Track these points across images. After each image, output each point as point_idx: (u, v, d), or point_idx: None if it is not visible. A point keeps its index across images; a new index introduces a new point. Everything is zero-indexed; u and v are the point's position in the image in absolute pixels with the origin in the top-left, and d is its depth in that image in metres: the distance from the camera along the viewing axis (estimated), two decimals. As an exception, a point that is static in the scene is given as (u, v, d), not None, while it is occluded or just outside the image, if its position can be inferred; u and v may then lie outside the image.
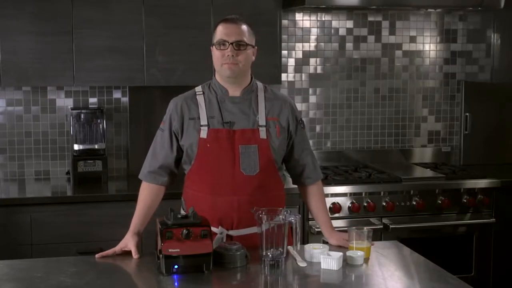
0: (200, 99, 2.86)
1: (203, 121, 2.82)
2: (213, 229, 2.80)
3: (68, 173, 4.34)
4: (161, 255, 2.47)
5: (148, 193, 2.91)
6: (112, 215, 3.84)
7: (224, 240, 2.78)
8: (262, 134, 2.83)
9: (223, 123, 2.82)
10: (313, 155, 3.02)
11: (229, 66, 2.79)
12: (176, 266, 2.47)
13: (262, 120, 2.84)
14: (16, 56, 3.95)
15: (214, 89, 2.89)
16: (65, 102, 4.37)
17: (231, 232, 2.82)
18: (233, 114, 2.84)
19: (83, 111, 4.26)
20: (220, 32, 2.80)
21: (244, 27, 2.83)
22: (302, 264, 2.62)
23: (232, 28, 2.80)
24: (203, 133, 2.81)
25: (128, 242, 2.77)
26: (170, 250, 2.44)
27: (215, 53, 2.82)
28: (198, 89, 2.91)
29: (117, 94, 4.43)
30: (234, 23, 2.82)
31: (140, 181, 4.30)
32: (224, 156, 2.80)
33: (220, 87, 2.87)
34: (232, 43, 2.77)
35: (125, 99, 4.43)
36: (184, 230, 2.46)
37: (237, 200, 2.77)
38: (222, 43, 2.79)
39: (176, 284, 2.43)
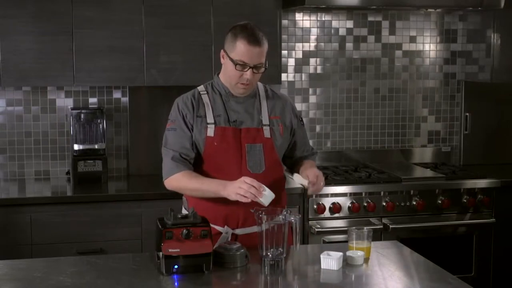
0: (205, 98, 2.87)
1: (210, 119, 2.83)
2: (218, 228, 2.81)
3: (68, 173, 4.33)
4: (161, 255, 2.47)
5: (188, 173, 2.79)
6: (112, 215, 3.84)
7: (229, 239, 2.79)
8: (266, 133, 2.85)
9: (230, 122, 2.83)
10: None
11: (244, 86, 2.80)
12: (176, 266, 2.47)
13: (265, 119, 2.87)
14: (16, 56, 3.94)
15: (217, 89, 2.89)
16: (65, 102, 4.37)
17: (237, 231, 2.82)
18: (238, 113, 2.86)
19: (83, 111, 4.26)
20: (242, 52, 2.73)
21: (265, 45, 2.78)
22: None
23: (256, 52, 2.74)
24: (210, 131, 2.81)
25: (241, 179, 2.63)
26: (170, 250, 2.44)
27: (231, 69, 2.77)
28: (201, 88, 2.91)
29: (117, 94, 4.42)
30: (259, 46, 2.74)
31: (138, 182, 4.28)
32: (231, 154, 2.81)
33: (223, 87, 2.87)
34: (252, 67, 2.75)
35: (125, 99, 4.43)
36: (184, 230, 2.46)
37: None
38: (242, 64, 2.75)
39: (176, 284, 2.43)
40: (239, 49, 2.74)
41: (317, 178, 2.76)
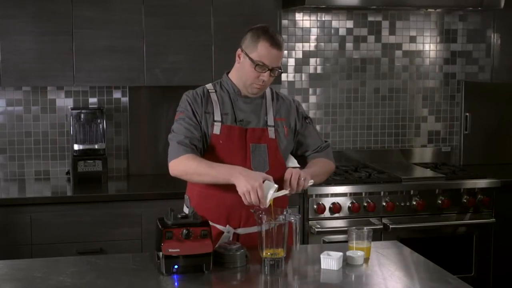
0: (214, 96, 2.88)
1: (217, 117, 2.83)
2: (220, 227, 2.81)
3: (68, 173, 4.33)
4: (161, 255, 2.47)
5: (196, 156, 2.75)
6: (112, 215, 3.84)
7: (231, 239, 2.79)
8: (271, 134, 2.87)
9: (236, 121, 2.84)
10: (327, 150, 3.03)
11: (259, 87, 2.81)
12: (176, 266, 2.47)
13: (270, 120, 2.88)
14: (16, 56, 3.94)
15: (226, 87, 2.90)
16: (65, 102, 4.37)
17: (239, 231, 2.82)
18: (245, 112, 2.87)
19: (83, 111, 4.26)
20: (263, 54, 2.75)
21: (283, 49, 2.81)
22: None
23: (277, 55, 2.76)
24: (216, 129, 2.82)
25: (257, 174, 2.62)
26: (170, 250, 2.44)
27: (249, 69, 2.78)
28: (210, 86, 2.92)
29: (117, 94, 4.43)
30: (280, 49, 2.77)
31: (138, 182, 4.28)
32: (235, 153, 2.81)
33: (232, 86, 2.89)
34: (270, 69, 2.77)
35: (125, 99, 4.43)
36: (184, 230, 2.45)
37: None
38: (262, 66, 2.76)
39: (176, 284, 2.43)
40: (260, 50, 2.75)
41: (289, 180, 2.71)
